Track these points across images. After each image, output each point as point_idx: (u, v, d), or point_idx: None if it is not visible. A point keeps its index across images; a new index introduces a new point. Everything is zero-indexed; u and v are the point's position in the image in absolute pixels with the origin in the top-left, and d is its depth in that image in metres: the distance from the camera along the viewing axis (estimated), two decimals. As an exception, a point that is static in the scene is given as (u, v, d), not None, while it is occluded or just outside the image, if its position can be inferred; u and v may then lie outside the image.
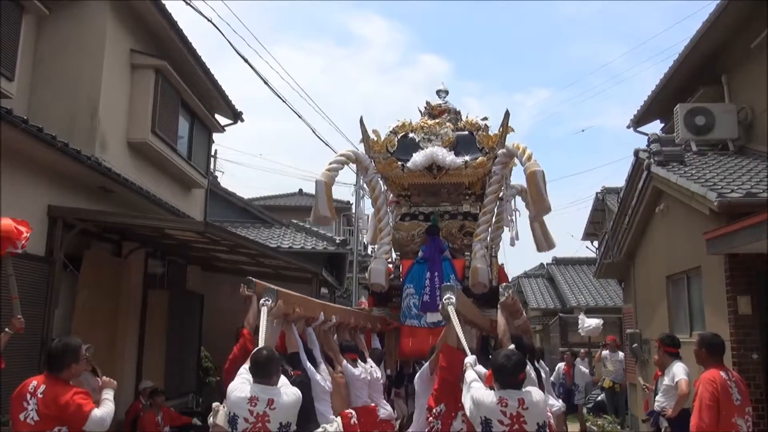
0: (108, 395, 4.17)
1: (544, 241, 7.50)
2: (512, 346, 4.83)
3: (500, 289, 5.19)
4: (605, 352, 13.21)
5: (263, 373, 3.70)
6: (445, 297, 4.56)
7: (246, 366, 3.87)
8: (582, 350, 15.53)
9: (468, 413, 3.92)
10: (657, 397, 6.59)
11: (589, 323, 11.92)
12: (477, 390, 3.85)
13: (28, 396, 3.97)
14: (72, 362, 4.11)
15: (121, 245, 9.23)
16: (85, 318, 7.79)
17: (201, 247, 9.69)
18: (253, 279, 4.48)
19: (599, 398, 13.29)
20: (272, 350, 3.85)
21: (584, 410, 13.06)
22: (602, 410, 12.84)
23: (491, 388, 3.86)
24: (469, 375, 4.03)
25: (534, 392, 3.82)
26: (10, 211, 5.80)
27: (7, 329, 4.87)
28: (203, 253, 10.51)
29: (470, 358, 4.20)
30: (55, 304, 7.21)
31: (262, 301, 4.21)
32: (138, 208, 9.18)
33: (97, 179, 8.00)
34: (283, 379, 3.85)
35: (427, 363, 5.08)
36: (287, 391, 3.70)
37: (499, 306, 5.10)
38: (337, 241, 14.95)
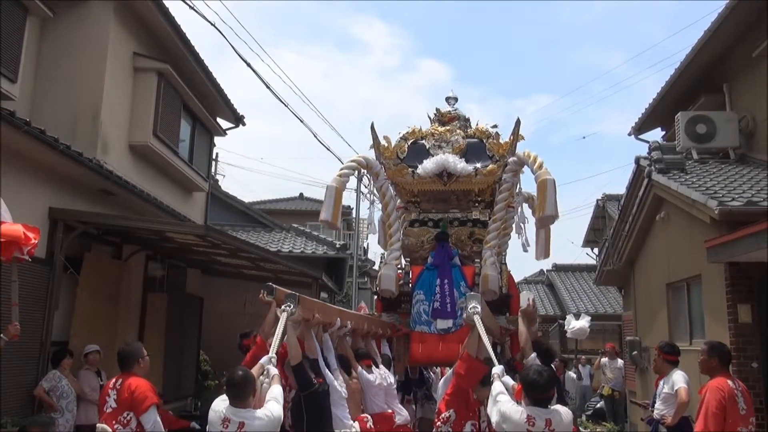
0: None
1: (544, 250, 7.50)
2: (534, 355, 4.81)
3: (521, 297, 5.19)
4: (604, 360, 13.19)
5: (236, 395, 3.66)
6: (471, 306, 4.59)
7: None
8: (583, 357, 15.54)
9: (494, 425, 3.91)
10: (656, 405, 6.57)
11: (574, 325, 11.75)
12: (505, 404, 3.82)
13: (110, 390, 4.57)
14: (139, 358, 4.74)
15: (121, 248, 9.23)
16: (84, 320, 7.78)
17: (201, 251, 9.69)
18: (274, 285, 4.45)
19: (598, 406, 13.26)
20: (246, 371, 3.80)
21: (583, 417, 13.03)
22: (601, 418, 12.82)
23: (518, 402, 3.84)
24: (496, 387, 4.00)
25: (562, 412, 3.79)
26: (10, 212, 5.80)
27: (2, 335, 4.91)
28: (203, 257, 10.51)
29: (498, 369, 4.18)
30: (55, 306, 7.21)
31: (283, 307, 4.18)
32: (139, 211, 9.19)
33: (99, 182, 8.01)
34: (273, 392, 3.79)
35: (452, 369, 5.08)
36: (261, 413, 3.64)
37: (520, 314, 5.10)
38: (337, 246, 14.95)
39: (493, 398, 3.93)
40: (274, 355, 4.01)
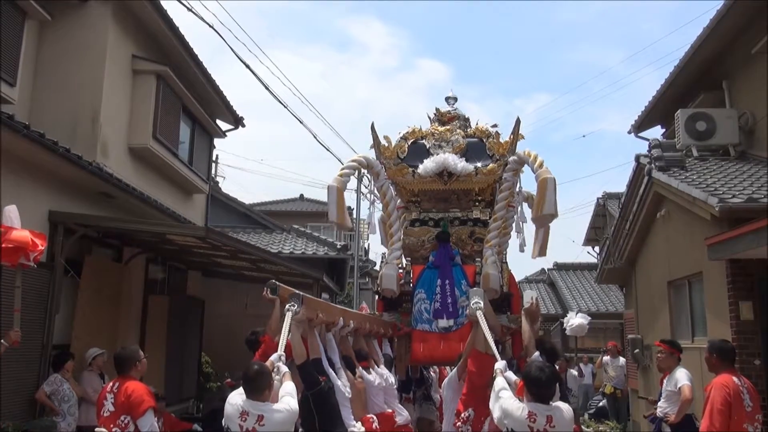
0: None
1: (541, 248, 7.51)
2: (537, 354, 4.82)
3: (525, 296, 5.21)
4: (606, 358, 13.18)
5: (253, 388, 3.65)
6: (473, 301, 4.61)
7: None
8: (585, 355, 15.54)
9: (496, 421, 3.93)
10: (660, 403, 6.58)
11: (573, 322, 11.70)
12: (506, 400, 3.83)
13: (107, 394, 4.59)
14: (136, 361, 4.75)
15: (121, 251, 9.23)
16: (85, 323, 7.78)
17: (202, 253, 9.69)
18: (278, 283, 4.45)
19: (601, 404, 13.25)
20: (262, 364, 3.80)
21: (585, 415, 13.02)
22: (604, 416, 12.80)
23: (520, 398, 3.84)
24: (499, 383, 4.00)
25: (564, 409, 3.78)
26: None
27: (3, 341, 4.92)
28: (204, 259, 10.51)
29: (500, 364, 4.19)
30: (55, 310, 7.20)
31: (287, 306, 4.19)
32: (139, 214, 9.18)
33: (98, 185, 8.00)
34: (286, 387, 3.80)
35: (455, 369, 5.07)
36: (280, 407, 3.64)
37: (523, 312, 5.11)
38: (338, 247, 14.95)
39: (496, 394, 3.94)
40: (283, 352, 4.01)
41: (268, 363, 3.98)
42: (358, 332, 5.93)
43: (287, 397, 3.71)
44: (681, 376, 6.29)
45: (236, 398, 3.68)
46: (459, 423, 4.52)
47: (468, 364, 4.66)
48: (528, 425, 3.64)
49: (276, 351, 4.09)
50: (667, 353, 6.54)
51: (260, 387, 3.66)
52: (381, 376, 5.77)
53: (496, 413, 3.89)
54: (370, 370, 5.70)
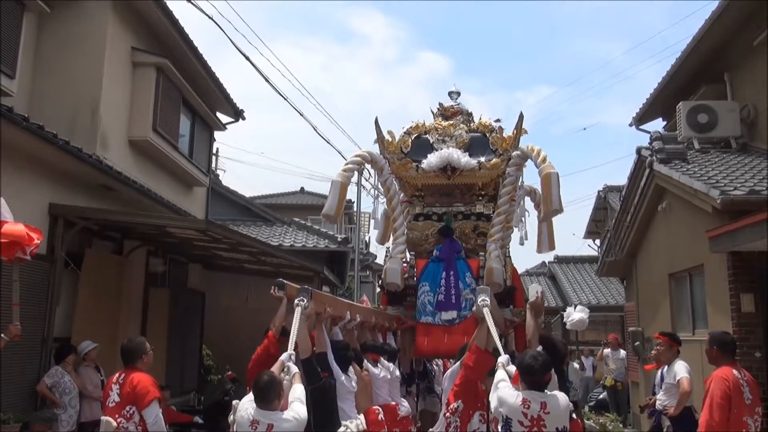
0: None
1: (547, 243, 7.52)
2: (540, 348, 4.85)
3: (530, 290, 5.24)
4: (607, 351, 13.21)
5: (263, 398, 3.70)
6: (480, 299, 4.67)
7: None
8: (586, 348, 15.57)
9: (493, 410, 4.00)
10: (659, 396, 6.58)
11: (573, 317, 11.67)
12: (502, 389, 3.92)
13: (113, 385, 4.67)
14: (142, 354, 4.82)
15: (122, 243, 9.22)
16: (86, 316, 7.78)
17: (202, 246, 9.69)
18: (285, 281, 4.48)
19: (601, 396, 13.28)
20: (273, 375, 3.83)
21: (586, 408, 13.05)
22: (604, 408, 12.83)
23: (517, 388, 3.90)
24: (499, 375, 4.07)
25: (559, 397, 3.84)
26: (10, 209, 5.79)
27: (3, 335, 4.93)
28: (204, 252, 10.50)
29: (503, 358, 4.24)
30: (56, 303, 7.21)
31: (296, 301, 4.22)
32: (139, 207, 9.17)
33: (98, 177, 7.99)
34: (296, 392, 3.81)
35: (458, 362, 5.10)
36: (289, 415, 3.68)
37: (528, 306, 5.14)
38: (339, 240, 14.96)
39: (495, 385, 4.00)
40: (293, 351, 4.02)
41: (278, 362, 3.99)
42: (364, 325, 5.97)
43: (296, 404, 3.74)
44: (680, 368, 6.29)
45: (247, 405, 3.72)
46: (448, 414, 4.59)
47: (465, 358, 4.70)
48: (522, 411, 3.72)
49: (276, 346, 4.11)
50: (667, 346, 6.54)
51: (270, 397, 3.70)
52: (387, 368, 5.81)
53: (493, 403, 3.96)
54: (378, 363, 5.73)
